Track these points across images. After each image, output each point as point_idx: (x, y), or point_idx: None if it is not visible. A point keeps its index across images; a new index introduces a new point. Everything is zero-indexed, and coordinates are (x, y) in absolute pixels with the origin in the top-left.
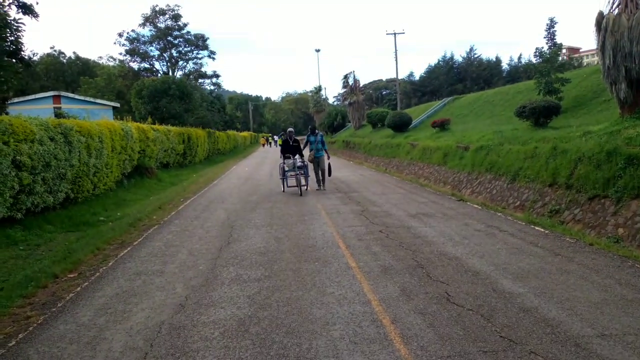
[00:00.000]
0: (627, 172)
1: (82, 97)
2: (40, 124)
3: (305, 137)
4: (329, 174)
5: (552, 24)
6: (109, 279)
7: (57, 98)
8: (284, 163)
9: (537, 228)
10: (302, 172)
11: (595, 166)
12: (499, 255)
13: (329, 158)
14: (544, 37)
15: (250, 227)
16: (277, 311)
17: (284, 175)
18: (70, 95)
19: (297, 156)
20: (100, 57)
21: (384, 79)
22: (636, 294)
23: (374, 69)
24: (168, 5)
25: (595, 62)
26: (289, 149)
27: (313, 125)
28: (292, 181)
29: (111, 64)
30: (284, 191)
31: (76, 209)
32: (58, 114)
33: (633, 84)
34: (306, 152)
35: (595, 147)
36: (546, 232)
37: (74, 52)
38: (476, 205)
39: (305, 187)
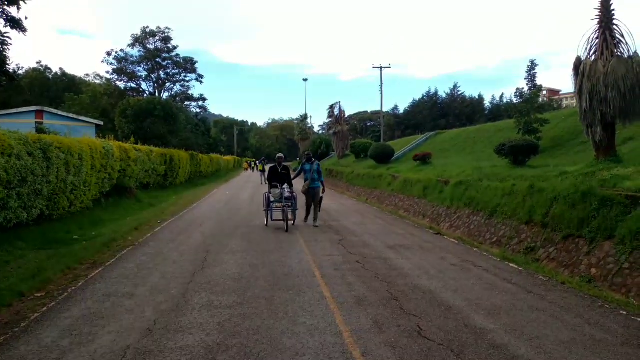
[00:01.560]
0: (600, 213)
1: (65, 114)
2: (19, 138)
3: (300, 165)
4: (319, 209)
5: (532, 66)
6: (77, 300)
7: (39, 113)
8: (269, 192)
9: (511, 265)
10: (290, 204)
11: (571, 206)
12: (473, 290)
13: (324, 191)
14: (525, 79)
15: (226, 253)
16: (246, 339)
17: (268, 206)
18: (53, 110)
19: (285, 185)
20: (87, 75)
21: (369, 111)
22: (604, 335)
23: (359, 101)
24: (159, 27)
25: (574, 105)
26: (277, 176)
27: (309, 152)
28: (277, 214)
29: (98, 82)
30: (266, 225)
31: (50, 226)
32: (39, 129)
33: (608, 128)
34: (297, 182)
35: (571, 188)
36: (520, 269)
37: (61, 68)
38: (453, 240)
39: (292, 222)
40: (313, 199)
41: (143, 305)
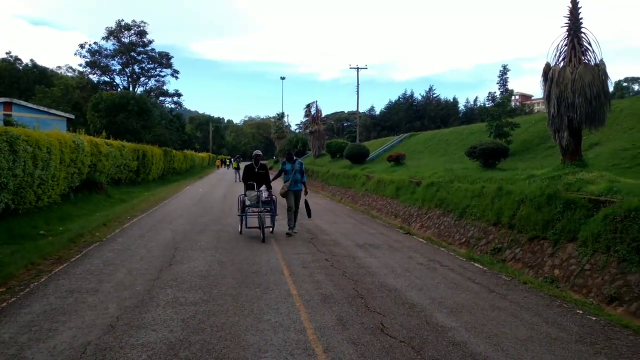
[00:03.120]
0: (565, 215)
1: (35, 106)
2: None
3: (280, 164)
4: (309, 215)
5: (504, 71)
6: (39, 296)
7: (8, 105)
8: (245, 195)
9: (477, 265)
10: (268, 209)
11: (536, 208)
12: (437, 289)
13: (306, 194)
14: (497, 83)
15: (194, 250)
16: (210, 336)
17: (243, 211)
18: (23, 103)
19: (262, 187)
20: (59, 67)
21: (345, 111)
22: (560, 333)
23: (336, 101)
24: (134, 20)
25: (544, 110)
26: (254, 176)
27: (290, 150)
28: (253, 220)
29: (70, 74)
30: (240, 233)
31: (16, 221)
32: (7, 122)
33: (575, 133)
34: (275, 184)
35: (537, 190)
36: (485, 269)
37: (32, 60)
38: (422, 240)
39: (271, 229)
40: (294, 202)
41: (107, 302)
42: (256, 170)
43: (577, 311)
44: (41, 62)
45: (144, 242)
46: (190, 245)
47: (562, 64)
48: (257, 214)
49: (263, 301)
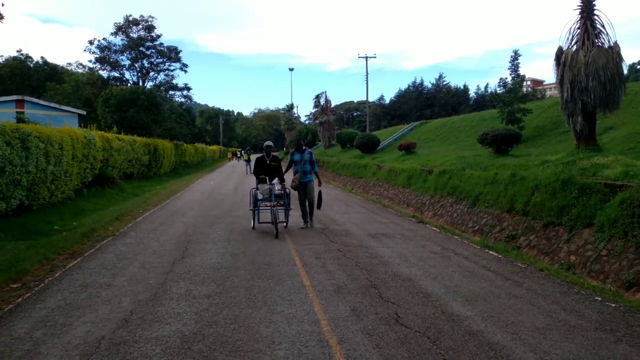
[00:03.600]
0: (580, 201)
1: (47, 103)
2: None
3: (289, 155)
4: (319, 207)
5: (515, 56)
6: (53, 291)
7: (20, 103)
8: (257, 189)
9: (491, 252)
10: (282, 202)
11: (551, 194)
12: (452, 277)
13: (320, 184)
14: (508, 69)
15: (207, 242)
16: (223, 329)
17: (255, 206)
18: (35, 100)
19: (275, 180)
20: (70, 64)
21: (355, 101)
22: (579, 320)
23: (346, 91)
24: (142, 15)
25: (557, 95)
26: (265, 169)
27: (299, 139)
28: (266, 215)
29: (80, 71)
30: (253, 228)
31: (30, 216)
32: (19, 119)
33: (589, 117)
34: (288, 177)
35: (552, 176)
36: (500, 256)
37: (42, 57)
38: (435, 228)
39: (285, 224)
40: (305, 194)
41: (120, 296)
42: (268, 162)
43: (596, 298)
44: (52, 59)
45: (156, 235)
46: (202, 237)
47: (575, 47)
48: (269, 208)
49: (276, 292)
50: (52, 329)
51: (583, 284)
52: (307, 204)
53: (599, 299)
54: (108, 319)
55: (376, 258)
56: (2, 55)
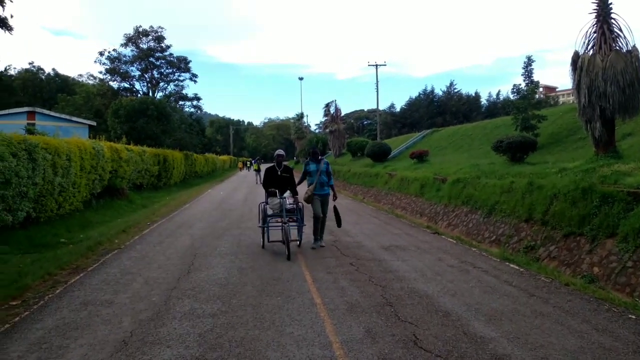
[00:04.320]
0: (602, 210)
1: (57, 114)
2: (3, 139)
3: (304, 165)
4: (338, 224)
5: (529, 62)
6: (52, 309)
7: (31, 114)
8: (266, 203)
9: (512, 265)
10: (294, 218)
11: (571, 203)
12: (472, 294)
13: (335, 198)
14: (522, 75)
15: (214, 256)
16: (228, 353)
17: (265, 222)
18: (46, 111)
19: (287, 193)
20: (81, 75)
21: (365, 109)
22: (613, 342)
23: (356, 100)
24: (152, 26)
25: (571, 101)
26: (276, 180)
27: (314, 148)
28: (276, 233)
29: (91, 82)
30: (263, 247)
31: (37, 229)
32: (29, 130)
33: (607, 123)
34: (301, 189)
35: (571, 184)
36: (521, 270)
37: (53, 69)
38: (451, 239)
39: (298, 243)
40: (322, 209)
41: (121, 315)
42: (279, 173)
43: (630, 316)
44: (63, 71)
45: (162, 248)
46: (209, 251)
47: (591, 51)
48: (281, 224)
49: (285, 311)
50: (47, 353)
51: (613, 300)
52: (320, 220)
53: (633, 317)
54: (106, 341)
55: (391, 272)
56: (15, 68)
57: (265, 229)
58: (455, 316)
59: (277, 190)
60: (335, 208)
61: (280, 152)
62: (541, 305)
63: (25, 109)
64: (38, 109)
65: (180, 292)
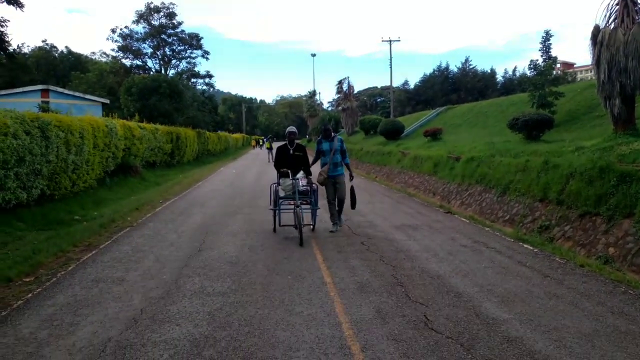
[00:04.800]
0: (619, 190)
1: (71, 92)
2: (16, 117)
3: (316, 143)
4: (353, 206)
5: (547, 36)
6: (64, 286)
7: (45, 92)
8: (278, 184)
9: (525, 246)
10: (308, 200)
11: (587, 182)
12: (485, 274)
13: (351, 178)
14: (539, 50)
15: (225, 234)
16: (237, 332)
17: (276, 205)
18: (60, 89)
19: (300, 174)
20: (93, 53)
21: (378, 87)
22: (630, 325)
23: (369, 77)
24: (163, 3)
25: (589, 78)
26: (288, 160)
27: (326, 125)
28: (288, 216)
29: (104, 60)
30: (274, 231)
31: (52, 206)
32: (42, 108)
33: (627, 100)
34: (314, 169)
35: (588, 163)
36: (535, 250)
37: (67, 47)
38: (464, 219)
39: (312, 227)
40: (335, 190)
41: (132, 292)
42: (291, 152)
43: None
44: (76, 48)
45: (174, 226)
46: (221, 229)
47: (612, 25)
48: (292, 208)
49: (295, 290)
50: (58, 329)
51: (630, 282)
52: (336, 202)
53: None
54: (117, 318)
55: (402, 252)
56: (28, 46)
57: (277, 212)
58: (467, 297)
59: (289, 171)
60: (352, 189)
61: (292, 129)
62: (555, 287)
63: (39, 86)
64: (52, 87)
65: (191, 270)
